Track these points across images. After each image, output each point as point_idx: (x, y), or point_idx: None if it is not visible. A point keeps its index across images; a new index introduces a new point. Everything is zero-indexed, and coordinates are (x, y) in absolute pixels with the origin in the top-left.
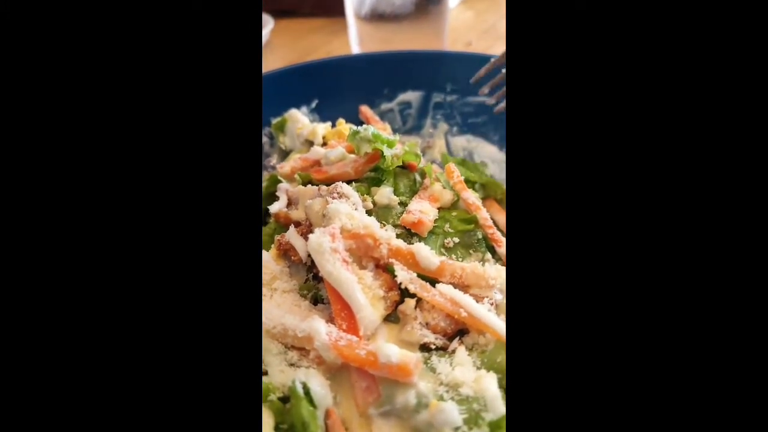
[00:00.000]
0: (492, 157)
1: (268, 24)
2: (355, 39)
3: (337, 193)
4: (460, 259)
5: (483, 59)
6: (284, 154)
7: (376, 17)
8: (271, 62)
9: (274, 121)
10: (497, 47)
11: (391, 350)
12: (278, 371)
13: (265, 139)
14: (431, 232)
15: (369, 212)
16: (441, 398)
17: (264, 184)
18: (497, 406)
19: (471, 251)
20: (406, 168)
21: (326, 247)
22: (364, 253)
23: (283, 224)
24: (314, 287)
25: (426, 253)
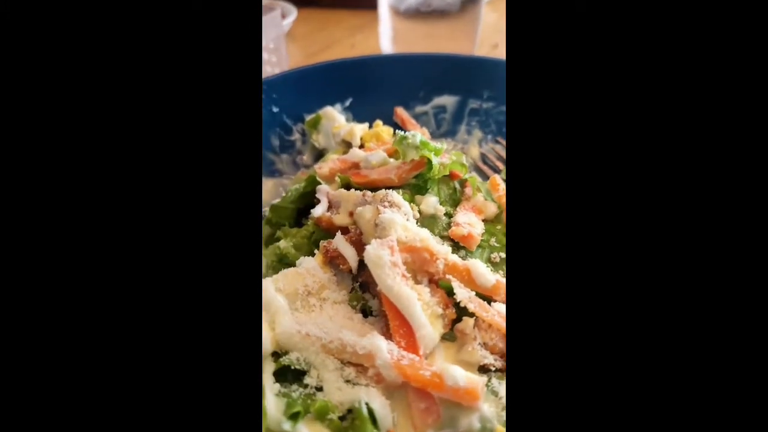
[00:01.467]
0: None
1: (291, 13)
2: (388, 34)
3: (388, 201)
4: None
5: None
6: (317, 153)
7: (414, 13)
8: (292, 52)
9: (308, 117)
10: None
11: (458, 373)
12: (335, 388)
13: (297, 136)
14: (478, 246)
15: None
16: (505, 424)
17: (301, 185)
18: None
19: None
20: (447, 176)
21: (386, 261)
22: (419, 268)
23: (325, 229)
24: (362, 298)
25: (482, 270)
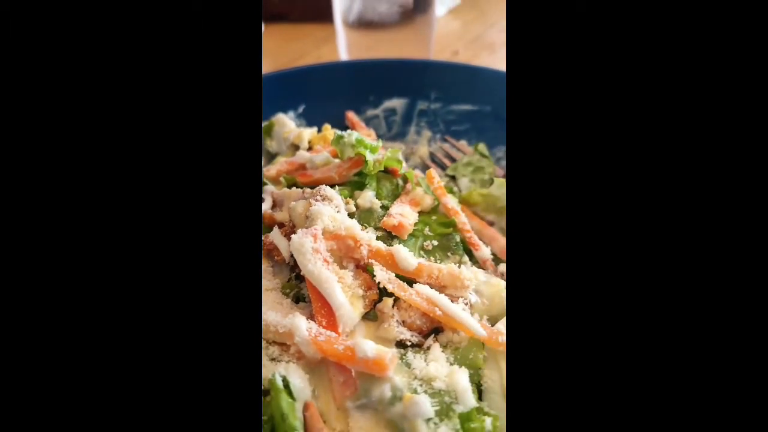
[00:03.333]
0: (474, 163)
1: None
2: (343, 46)
3: (321, 195)
4: (438, 261)
5: (467, 68)
6: (271, 158)
7: (363, 24)
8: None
9: (263, 124)
10: (483, 57)
11: (367, 346)
12: None
13: None
14: (411, 235)
15: (351, 215)
16: (415, 391)
17: None
18: (467, 399)
19: (449, 254)
20: (389, 173)
21: (308, 247)
22: (344, 254)
23: (268, 225)
24: (296, 286)
25: (404, 254)
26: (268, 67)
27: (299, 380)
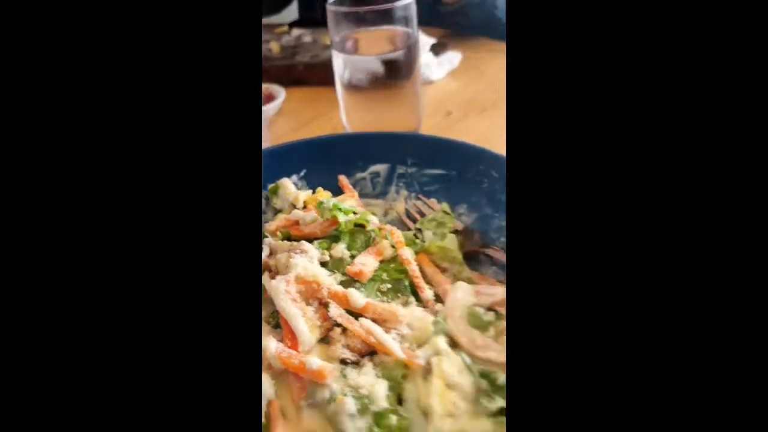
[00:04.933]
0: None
1: (280, 95)
2: (342, 106)
3: (300, 249)
4: (389, 301)
5: (437, 140)
6: (276, 213)
7: (352, 88)
8: (282, 125)
9: (270, 186)
10: (471, 117)
11: (314, 361)
12: None
13: (262, 201)
14: (371, 279)
15: (325, 264)
16: (345, 395)
17: None
18: (381, 401)
19: (399, 295)
20: (363, 228)
21: (281, 289)
22: (310, 294)
23: (265, 269)
24: (276, 317)
25: (356, 296)
26: (287, 126)
27: (267, 384)
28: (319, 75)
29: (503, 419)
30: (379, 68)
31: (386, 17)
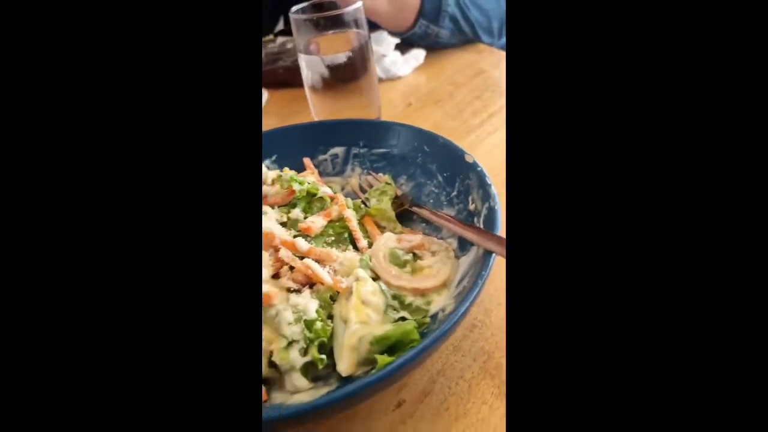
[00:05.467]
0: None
1: (264, 96)
2: (310, 102)
3: (263, 212)
4: (333, 248)
5: (383, 124)
6: None
7: (317, 86)
8: (266, 121)
9: None
10: (427, 108)
11: (265, 288)
12: None
13: None
14: (320, 234)
15: (284, 224)
16: (285, 310)
17: None
18: (311, 313)
19: (340, 245)
20: (320, 197)
21: None
22: (267, 243)
23: None
24: None
25: (301, 243)
26: (273, 121)
27: None
28: (299, 77)
29: (402, 324)
30: (337, 66)
31: (339, 22)
